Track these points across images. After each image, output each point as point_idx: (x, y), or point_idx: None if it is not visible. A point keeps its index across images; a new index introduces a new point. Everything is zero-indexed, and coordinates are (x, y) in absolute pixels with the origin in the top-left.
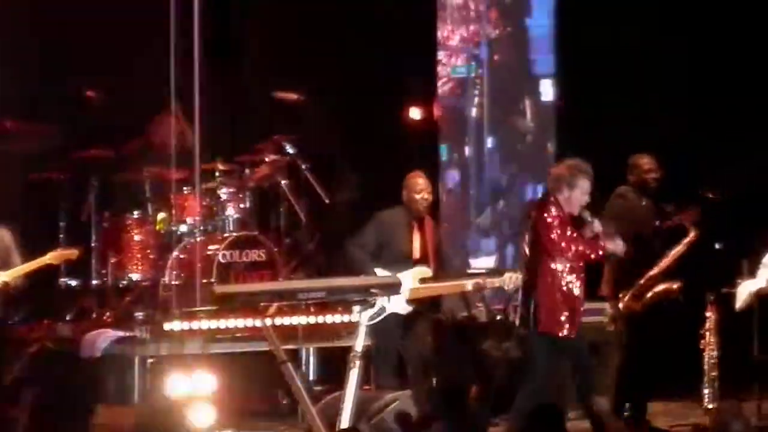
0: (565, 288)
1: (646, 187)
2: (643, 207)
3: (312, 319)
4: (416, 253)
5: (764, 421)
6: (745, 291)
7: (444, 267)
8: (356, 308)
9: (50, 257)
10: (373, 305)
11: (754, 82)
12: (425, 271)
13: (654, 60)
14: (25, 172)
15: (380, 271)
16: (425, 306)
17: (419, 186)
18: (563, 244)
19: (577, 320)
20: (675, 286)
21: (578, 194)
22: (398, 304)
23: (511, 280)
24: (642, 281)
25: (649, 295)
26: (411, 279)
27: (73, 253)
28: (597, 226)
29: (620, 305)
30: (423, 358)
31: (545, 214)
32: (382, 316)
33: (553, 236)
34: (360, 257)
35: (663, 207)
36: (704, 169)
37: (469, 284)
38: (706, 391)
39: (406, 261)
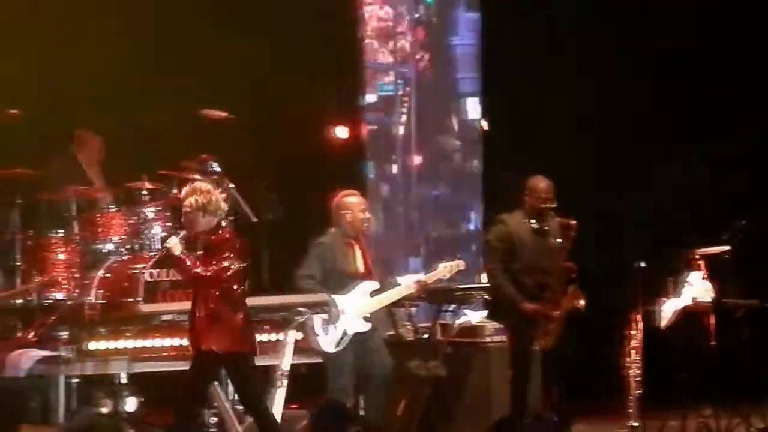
0: None
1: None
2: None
3: None
4: (360, 271)
5: None
6: (670, 309)
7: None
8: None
9: None
10: (302, 324)
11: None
12: (373, 284)
13: (578, 79)
14: None
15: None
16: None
17: (363, 205)
18: None
19: None
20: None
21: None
22: (358, 324)
23: (446, 269)
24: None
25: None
26: (362, 295)
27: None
28: None
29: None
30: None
31: None
32: (346, 340)
33: None
34: (310, 287)
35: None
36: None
37: (412, 285)
38: (630, 409)
39: (352, 280)
